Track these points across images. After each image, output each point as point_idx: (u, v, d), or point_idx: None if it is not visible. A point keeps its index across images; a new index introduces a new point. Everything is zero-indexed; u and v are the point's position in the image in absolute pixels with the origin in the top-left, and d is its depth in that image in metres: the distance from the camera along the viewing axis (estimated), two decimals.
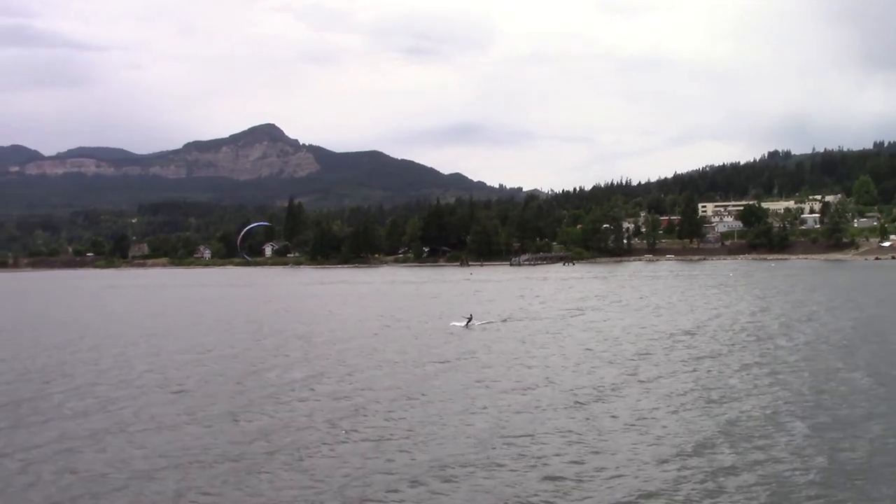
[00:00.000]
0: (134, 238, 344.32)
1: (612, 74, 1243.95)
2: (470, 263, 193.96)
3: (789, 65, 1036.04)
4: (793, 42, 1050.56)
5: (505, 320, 49.89)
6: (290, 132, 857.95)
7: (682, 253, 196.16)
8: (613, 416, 22.20)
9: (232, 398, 26.27)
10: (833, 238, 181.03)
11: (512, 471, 17.45)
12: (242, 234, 65.19)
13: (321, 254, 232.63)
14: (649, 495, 15.75)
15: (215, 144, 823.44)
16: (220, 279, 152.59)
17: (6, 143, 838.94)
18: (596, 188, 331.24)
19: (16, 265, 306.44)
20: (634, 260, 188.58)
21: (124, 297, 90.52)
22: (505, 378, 28.27)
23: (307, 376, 30.04)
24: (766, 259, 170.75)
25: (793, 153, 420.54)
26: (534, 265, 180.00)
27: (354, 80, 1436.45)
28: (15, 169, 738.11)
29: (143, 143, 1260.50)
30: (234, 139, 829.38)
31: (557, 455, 18.51)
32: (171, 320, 59.17)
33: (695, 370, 29.18)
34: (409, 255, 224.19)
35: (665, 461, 17.81)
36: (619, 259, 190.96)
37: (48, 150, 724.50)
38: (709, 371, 28.97)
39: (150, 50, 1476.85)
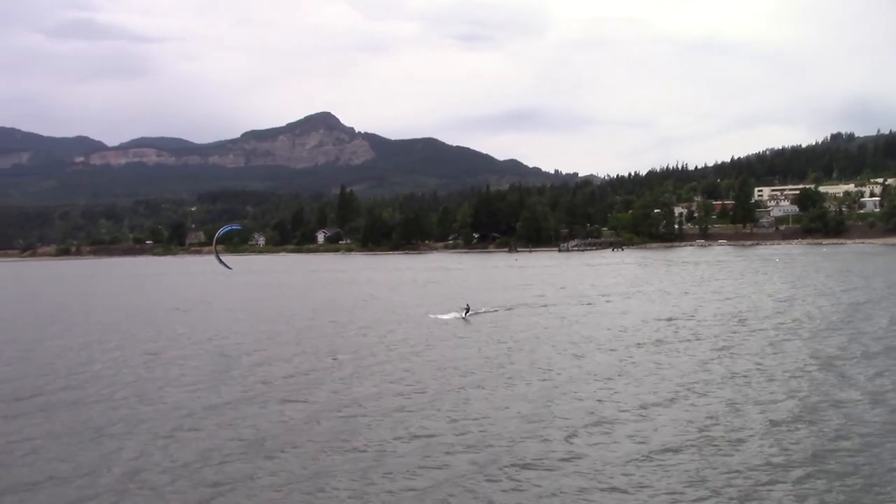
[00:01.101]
0: (193, 226, 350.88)
1: (670, 58, 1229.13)
2: (518, 249, 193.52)
3: (853, 46, 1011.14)
4: (857, 23, 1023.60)
5: (510, 308, 48.55)
6: (346, 120, 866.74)
7: (734, 238, 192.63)
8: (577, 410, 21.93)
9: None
10: (892, 222, 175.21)
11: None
12: (216, 237, 63.46)
13: (372, 241, 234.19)
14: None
15: (272, 133, 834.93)
16: (269, 266, 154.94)
17: (71, 134, 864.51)
18: (651, 173, 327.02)
19: (78, 253, 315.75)
20: (686, 245, 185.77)
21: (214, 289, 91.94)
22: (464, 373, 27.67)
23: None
24: (820, 244, 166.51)
25: (856, 135, 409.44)
26: (582, 251, 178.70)
27: (409, 67, 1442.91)
28: (80, 159, 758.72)
29: (202, 132, 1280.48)
30: (291, 128, 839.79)
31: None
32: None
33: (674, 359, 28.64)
34: (459, 241, 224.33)
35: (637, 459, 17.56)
36: (669, 245, 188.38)
37: (111, 140, 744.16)
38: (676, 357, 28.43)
39: (209, 41, 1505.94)
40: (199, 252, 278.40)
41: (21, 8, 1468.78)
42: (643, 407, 20.89)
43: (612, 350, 30.33)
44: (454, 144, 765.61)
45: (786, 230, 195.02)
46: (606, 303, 51.28)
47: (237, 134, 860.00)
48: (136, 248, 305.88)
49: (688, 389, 22.86)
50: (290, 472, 16.56)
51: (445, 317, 43.35)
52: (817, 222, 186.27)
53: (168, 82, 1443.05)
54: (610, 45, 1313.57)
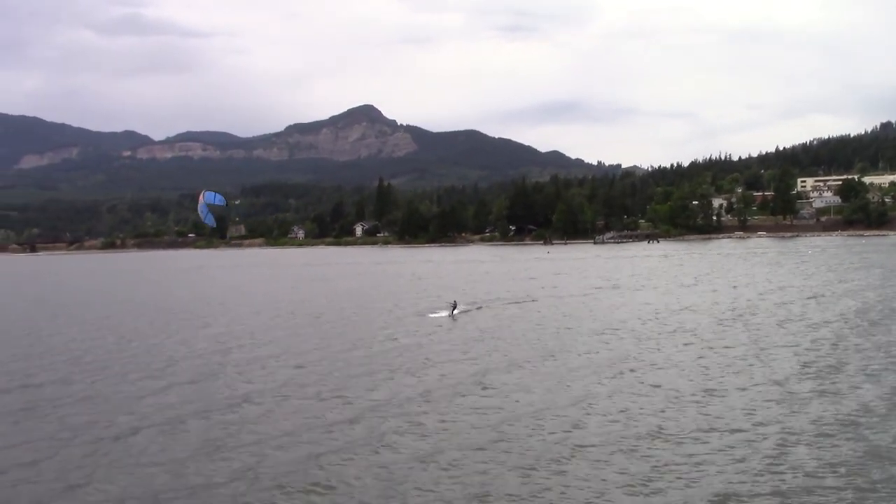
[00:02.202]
0: (237, 219, 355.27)
1: (716, 47, 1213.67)
2: (553, 242, 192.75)
3: None
4: None
5: (518, 302, 47.58)
6: (388, 113, 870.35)
7: (774, 230, 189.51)
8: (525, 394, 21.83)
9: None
10: None
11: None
12: (202, 202, 56.45)
13: (409, 233, 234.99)
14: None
15: (315, 126, 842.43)
16: (302, 259, 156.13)
17: (119, 128, 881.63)
18: (693, 164, 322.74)
19: (123, 246, 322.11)
20: (724, 237, 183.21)
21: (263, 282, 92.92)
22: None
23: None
24: (861, 236, 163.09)
25: None
26: (618, 243, 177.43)
27: (452, 59, 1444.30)
28: (127, 154, 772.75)
29: (246, 126, 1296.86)
30: (334, 121, 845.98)
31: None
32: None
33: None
34: (496, 234, 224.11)
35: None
36: (707, 236, 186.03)
37: (158, 134, 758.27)
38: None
39: (254, 35, 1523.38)
40: (239, 245, 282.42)
41: (72, 5, 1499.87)
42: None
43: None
44: (496, 136, 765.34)
45: (826, 221, 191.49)
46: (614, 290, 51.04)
47: (281, 127, 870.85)
48: (179, 242, 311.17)
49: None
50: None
51: (435, 315, 40.84)
52: (859, 213, 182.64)
53: (214, 76, 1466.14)
54: (655, 34, 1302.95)
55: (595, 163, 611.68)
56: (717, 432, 17.60)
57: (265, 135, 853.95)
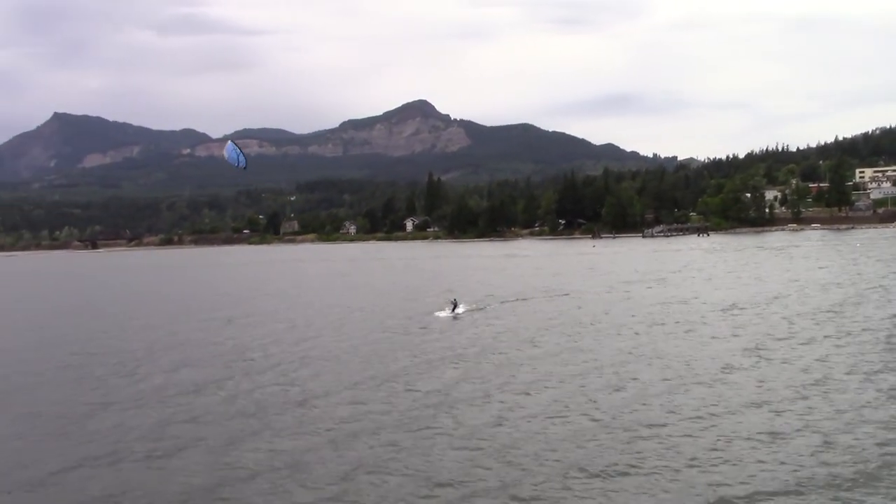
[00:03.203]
0: (292, 215, 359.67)
1: (775, 36, 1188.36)
2: (601, 236, 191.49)
3: None
4: None
5: (525, 299, 47.09)
6: (442, 107, 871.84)
7: (829, 222, 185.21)
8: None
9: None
10: None
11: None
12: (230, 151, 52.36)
13: (458, 228, 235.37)
14: None
15: (370, 122, 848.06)
16: (350, 254, 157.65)
17: (178, 126, 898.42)
18: (749, 155, 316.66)
19: (180, 242, 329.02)
20: (776, 230, 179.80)
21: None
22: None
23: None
24: None
25: None
26: (667, 237, 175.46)
27: (506, 53, 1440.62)
28: (186, 151, 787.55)
29: (302, 122, 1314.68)
30: (388, 116, 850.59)
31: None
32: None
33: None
34: (545, 228, 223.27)
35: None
36: (759, 229, 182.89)
37: (215, 132, 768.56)
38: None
39: (310, 32, 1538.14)
40: (293, 241, 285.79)
41: (134, 6, 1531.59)
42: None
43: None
44: (550, 130, 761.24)
45: (884, 213, 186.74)
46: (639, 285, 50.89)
47: (336, 123, 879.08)
48: (234, 238, 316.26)
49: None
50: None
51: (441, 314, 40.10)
52: None
53: (270, 74, 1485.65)
54: (712, 24, 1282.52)
55: (650, 155, 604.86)
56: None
57: (320, 131, 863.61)
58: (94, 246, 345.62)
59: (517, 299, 47.05)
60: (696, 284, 54.40)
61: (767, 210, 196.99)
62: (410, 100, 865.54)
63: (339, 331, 36.59)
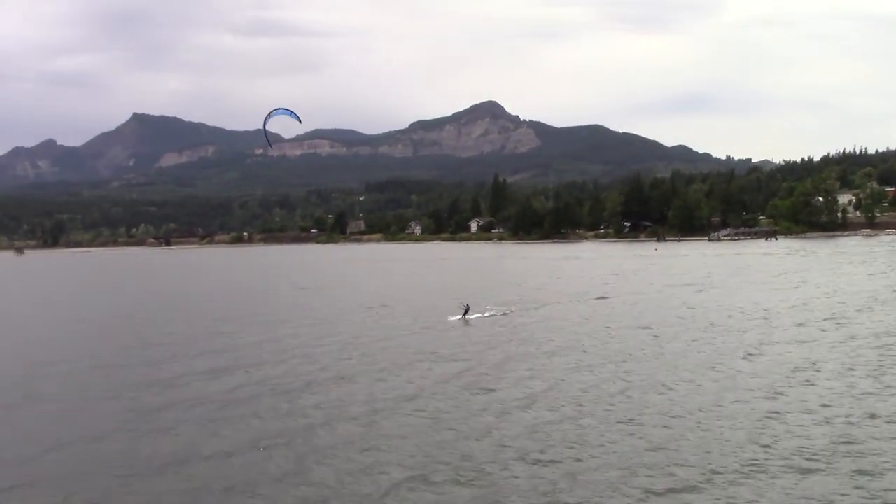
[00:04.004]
0: (361, 215, 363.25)
1: (856, 34, 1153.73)
2: (666, 239, 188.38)
3: None
4: None
5: (556, 303, 46.26)
6: (512, 108, 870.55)
7: None
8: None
9: None
10: None
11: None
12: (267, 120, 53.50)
13: (523, 229, 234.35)
14: None
15: (439, 123, 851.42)
16: (414, 255, 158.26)
17: (252, 127, 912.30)
18: (825, 158, 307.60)
19: (250, 240, 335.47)
20: (849, 235, 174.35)
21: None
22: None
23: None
24: None
25: None
26: (734, 240, 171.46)
27: (577, 53, 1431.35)
28: (259, 152, 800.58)
29: (372, 123, 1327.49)
30: (457, 117, 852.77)
31: None
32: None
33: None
34: (610, 230, 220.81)
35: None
36: (830, 234, 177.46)
37: (288, 133, 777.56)
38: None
39: (382, 34, 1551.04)
40: (358, 241, 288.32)
41: (211, 9, 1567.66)
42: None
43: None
44: (620, 131, 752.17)
45: None
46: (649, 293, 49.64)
47: (405, 124, 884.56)
48: (302, 236, 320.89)
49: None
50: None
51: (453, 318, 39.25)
52: None
53: (342, 75, 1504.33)
54: (790, 22, 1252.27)
55: (723, 157, 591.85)
56: None
57: (390, 132, 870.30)
58: (168, 243, 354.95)
59: (544, 304, 46.07)
60: (741, 288, 53.14)
61: (840, 214, 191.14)
62: (480, 100, 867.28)
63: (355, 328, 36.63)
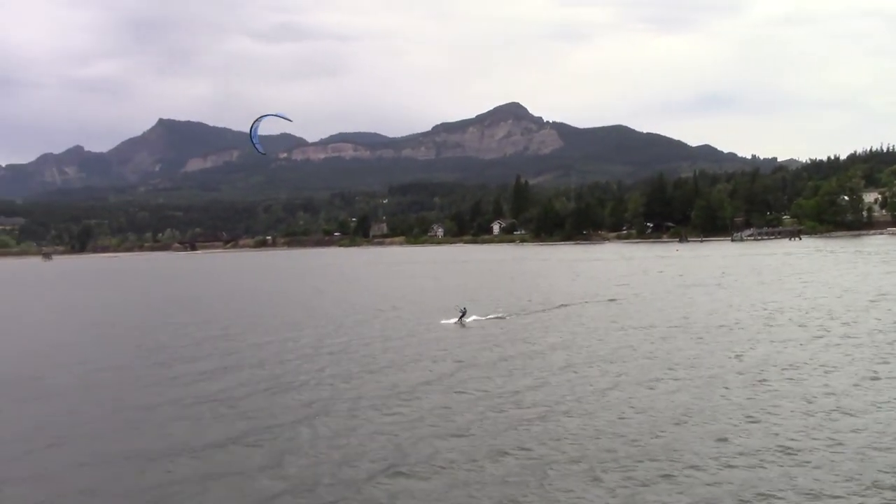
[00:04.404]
0: (384, 218, 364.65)
1: (882, 32, 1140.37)
2: (688, 239, 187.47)
3: None
4: None
5: (564, 305, 45.46)
6: (534, 110, 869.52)
7: None
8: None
9: None
10: None
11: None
12: (254, 126, 52.36)
13: (545, 231, 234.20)
14: None
15: (462, 125, 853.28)
16: (434, 257, 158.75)
17: (276, 131, 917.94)
18: (851, 156, 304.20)
19: (274, 244, 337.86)
20: (874, 233, 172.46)
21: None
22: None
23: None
24: None
25: None
26: (757, 240, 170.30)
27: (600, 54, 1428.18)
28: (283, 155, 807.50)
29: (395, 126, 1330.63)
30: (480, 119, 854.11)
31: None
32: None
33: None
34: (632, 231, 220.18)
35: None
36: (855, 233, 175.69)
37: (312, 136, 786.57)
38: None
39: (405, 37, 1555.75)
40: (381, 243, 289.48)
41: (234, 15, 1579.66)
42: None
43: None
44: (644, 131, 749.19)
45: None
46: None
47: (428, 127, 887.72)
48: (325, 240, 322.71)
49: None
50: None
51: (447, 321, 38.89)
52: None
53: (365, 79, 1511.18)
54: (815, 20, 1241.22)
55: (749, 157, 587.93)
56: None
57: (413, 134, 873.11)
58: (193, 248, 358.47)
59: (550, 307, 45.31)
60: (750, 288, 53.17)
61: (865, 213, 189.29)
62: (503, 102, 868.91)
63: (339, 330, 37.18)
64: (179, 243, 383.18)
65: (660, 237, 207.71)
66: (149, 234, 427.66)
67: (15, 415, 22.80)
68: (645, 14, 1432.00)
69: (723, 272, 70.92)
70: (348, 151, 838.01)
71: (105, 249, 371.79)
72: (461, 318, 38.66)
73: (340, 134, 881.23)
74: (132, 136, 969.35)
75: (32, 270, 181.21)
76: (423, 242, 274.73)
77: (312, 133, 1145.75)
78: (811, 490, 14.10)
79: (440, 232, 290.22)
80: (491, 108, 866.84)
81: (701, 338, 31.34)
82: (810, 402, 20.03)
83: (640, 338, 31.90)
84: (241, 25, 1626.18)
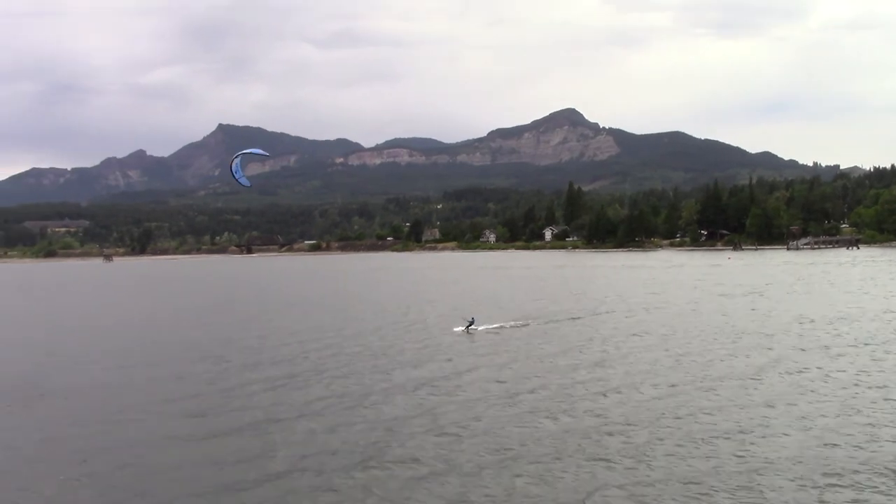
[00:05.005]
0: (437, 223, 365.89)
1: None
2: (743, 247, 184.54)
3: None
4: None
5: (576, 318, 44.57)
6: (591, 116, 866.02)
7: None
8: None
9: None
10: None
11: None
12: (235, 160, 51.83)
13: (597, 238, 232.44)
14: None
15: (517, 131, 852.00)
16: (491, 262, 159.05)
17: (333, 136, 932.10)
18: None
19: (328, 248, 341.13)
20: None
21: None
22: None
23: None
24: None
25: None
26: (813, 249, 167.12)
27: (658, 59, 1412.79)
28: (340, 160, 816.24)
29: (451, 132, 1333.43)
30: (536, 125, 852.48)
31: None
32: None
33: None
34: (686, 238, 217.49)
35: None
36: None
37: (368, 141, 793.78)
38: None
39: (461, 43, 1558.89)
40: (433, 248, 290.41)
41: (293, 21, 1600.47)
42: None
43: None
44: (702, 138, 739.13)
45: None
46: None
47: (484, 132, 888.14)
48: (378, 244, 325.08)
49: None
50: None
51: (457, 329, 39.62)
52: None
53: (422, 84, 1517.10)
54: (882, 25, 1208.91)
55: (810, 164, 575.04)
56: None
57: (468, 140, 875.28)
58: (249, 251, 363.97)
59: (562, 318, 44.72)
60: (787, 299, 52.56)
61: None
62: (559, 108, 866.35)
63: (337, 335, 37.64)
64: (236, 246, 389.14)
65: (714, 245, 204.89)
66: (207, 237, 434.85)
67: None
68: (705, 19, 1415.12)
69: (768, 282, 69.80)
70: (404, 157, 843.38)
71: (164, 252, 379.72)
72: (468, 327, 39.41)
73: (396, 139, 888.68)
74: (192, 140, 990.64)
75: (91, 272, 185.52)
76: (475, 248, 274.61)
77: (369, 138, 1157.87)
78: None
79: (492, 238, 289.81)
80: (547, 114, 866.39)
81: (709, 348, 31.47)
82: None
83: (643, 344, 32.13)
84: (300, 32, 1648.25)
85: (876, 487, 14.69)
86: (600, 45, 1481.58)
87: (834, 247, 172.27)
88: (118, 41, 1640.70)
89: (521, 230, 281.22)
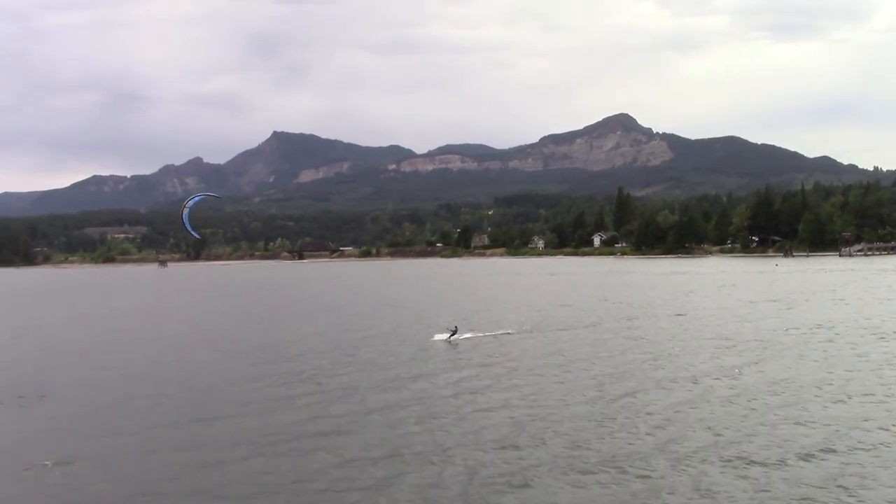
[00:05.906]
0: (488, 229, 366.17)
1: None
2: (793, 254, 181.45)
3: None
4: None
5: (591, 326, 44.24)
6: (644, 121, 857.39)
7: None
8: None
9: None
10: None
11: None
12: (186, 206, 51.78)
13: (645, 244, 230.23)
14: None
15: (570, 136, 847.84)
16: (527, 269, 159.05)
17: (385, 143, 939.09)
18: None
19: (378, 254, 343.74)
20: None
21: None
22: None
23: None
24: None
25: None
26: (866, 255, 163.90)
27: (714, 63, 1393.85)
28: (392, 167, 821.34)
29: (503, 138, 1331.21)
30: (588, 130, 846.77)
31: None
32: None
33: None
34: (736, 245, 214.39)
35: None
36: None
37: (420, 148, 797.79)
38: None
39: (514, 49, 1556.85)
40: (482, 255, 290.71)
41: (348, 30, 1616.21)
42: None
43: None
44: (758, 142, 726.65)
45: None
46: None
47: (536, 138, 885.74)
48: (428, 251, 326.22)
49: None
50: None
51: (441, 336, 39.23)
52: None
53: (473, 91, 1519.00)
54: None
55: (871, 168, 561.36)
56: None
57: (520, 146, 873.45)
58: (301, 257, 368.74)
59: (568, 326, 44.22)
60: (818, 307, 51.94)
61: None
62: (612, 113, 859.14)
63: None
64: (288, 252, 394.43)
65: (765, 251, 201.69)
66: (260, 243, 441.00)
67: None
68: (762, 22, 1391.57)
69: (806, 290, 68.80)
70: (455, 163, 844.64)
71: (218, 258, 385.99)
72: (452, 335, 38.86)
73: (448, 146, 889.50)
74: (248, 148, 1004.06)
75: (145, 277, 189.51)
76: (524, 254, 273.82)
77: (421, 145, 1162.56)
78: None
79: (541, 244, 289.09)
80: (599, 119, 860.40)
81: (717, 355, 31.43)
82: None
83: (653, 351, 32.27)
84: (355, 40, 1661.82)
85: None
86: (654, 49, 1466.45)
87: (889, 253, 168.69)
88: (177, 51, 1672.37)
89: (569, 236, 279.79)
